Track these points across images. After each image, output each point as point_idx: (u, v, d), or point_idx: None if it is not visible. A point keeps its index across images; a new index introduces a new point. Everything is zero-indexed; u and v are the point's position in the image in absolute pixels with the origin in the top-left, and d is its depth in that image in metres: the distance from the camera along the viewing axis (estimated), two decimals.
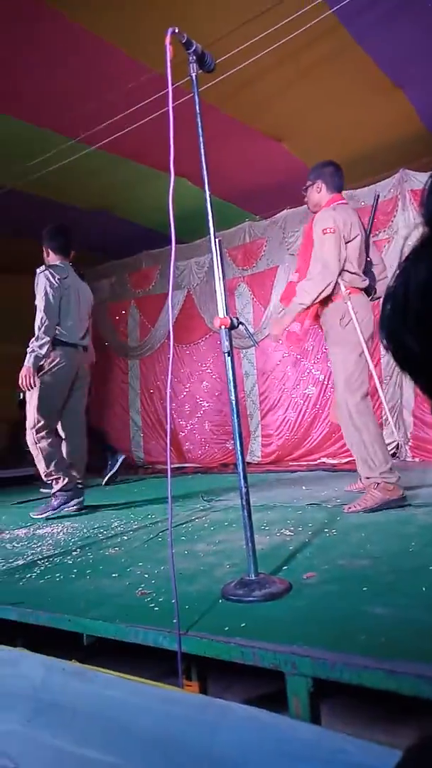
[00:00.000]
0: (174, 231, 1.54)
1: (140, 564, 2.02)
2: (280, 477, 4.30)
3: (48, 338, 3.28)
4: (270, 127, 3.92)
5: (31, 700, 1.26)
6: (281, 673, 1.18)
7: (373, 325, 2.81)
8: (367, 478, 2.62)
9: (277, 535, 2.27)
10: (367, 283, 2.87)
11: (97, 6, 2.73)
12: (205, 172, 1.65)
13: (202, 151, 1.66)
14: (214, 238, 1.62)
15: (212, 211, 1.63)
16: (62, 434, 3.50)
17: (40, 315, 3.30)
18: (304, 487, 3.64)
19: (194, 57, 1.70)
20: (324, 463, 4.91)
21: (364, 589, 1.51)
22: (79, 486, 3.45)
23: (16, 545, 2.58)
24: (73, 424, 3.52)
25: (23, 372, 3.26)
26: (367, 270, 2.87)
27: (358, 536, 2.12)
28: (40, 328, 3.28)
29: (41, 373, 3.33)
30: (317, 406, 5.17)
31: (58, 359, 3.35)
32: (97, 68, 3.16)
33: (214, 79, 2.94)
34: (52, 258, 3.51)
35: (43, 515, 3.31)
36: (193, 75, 1.70)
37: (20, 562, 2.22)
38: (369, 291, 2.90)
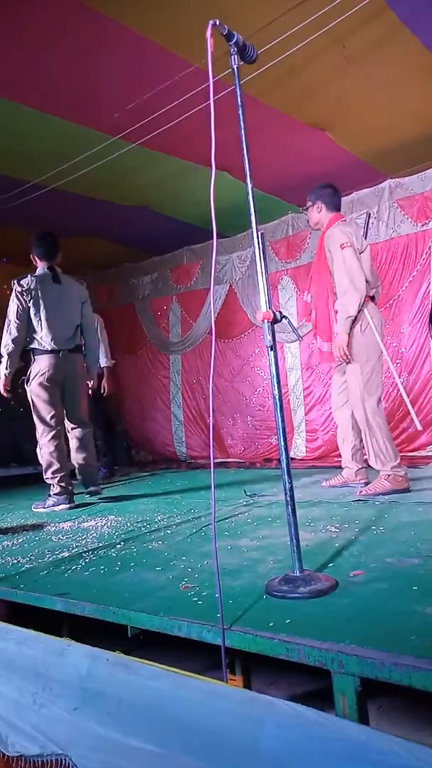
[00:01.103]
0: (215, 225, 1.53)
1: (183, 558, 2.03)
2: (326, 473, 4.24)
3: (4, 353, 3.52)
4: (313, 117, 3.85)
5: (77, 689, 1.28)
6: (327, 672, 1.15)
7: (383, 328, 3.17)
8: (380, 470, 3.01)
9: (322, 531, 2.24)
10: (374, 291, 3.18)
11: (137, 3, 2.74)
12: (247, 166, 1.63)
13: (244, 144, 1.63)
14: (257, 231, 1.60)
15: (254, 205, 1.61)
16: (70, 435, 3.75)
17: (4, 331, 3.56)
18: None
19: (235, 49, 1.67)
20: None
21: (414, 588, 1.47)
22: (70, 494, 3.64)
23: (61, 538, 2.63)
24: (75, 423, 3.74)
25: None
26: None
27: (408, 534, 2.07)
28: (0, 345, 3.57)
29: (28, 382, 3.62)
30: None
31: (38, 367, 3.58)
32: (138, 65, 3.17)
33: (256, 71, 2.92)
34: (39, 264, 3.73)
35: (37, 510, 3.59)
36: (235, 67, 1.67)
37: (65, 554, 2.26)
38: (374, 298, 3.21)
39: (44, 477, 3.65)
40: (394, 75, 3.44)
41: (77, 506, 3.60)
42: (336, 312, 3.12)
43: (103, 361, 5.05)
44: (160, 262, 6.61)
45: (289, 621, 1.32)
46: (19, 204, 4.53)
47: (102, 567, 2.01)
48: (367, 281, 3.02)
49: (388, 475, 2.96)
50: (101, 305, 5.47)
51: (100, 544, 2.39)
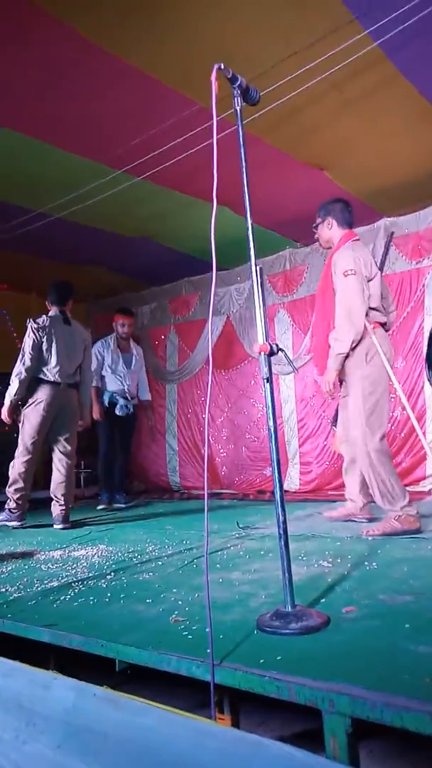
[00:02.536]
0: (215, 258, 1.57)
1: (174, 590, 2.00)
2: (319, 506, 4.22)
3: (16, 380, 3.90)
4: (312, 157, 3.96)
5: (62, 723, 1.25)
6: (318, 711, 1.13)
7: (393, 357, 2.94)
8: (388, 509, 2.80)
9: (315, 566, 2.22)
10: (386, 317, 2.96)
11: (144, 43, 2.84)
12: (247, 202, 1.68)
13: (245, 181, 1.69)
14: (255, 265, 1.63)
15: (254, 240, 1.65)
16: (55, 466, 4.07)
17: (18, 361, 3.97)
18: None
19: (239, 91, 1.75)
20: None
21: (407, 625, 1.45)
22: (23, 512, 4.01)
23: (51, 566, 2.59)
24: (56, 455, 4.07)
25: (3, 409, 3.93)
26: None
27: (401, 570, 2.05)
28: (12, 373, 3.95)
29: (25, 407, 3.97)
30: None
31: (39, 396, 3.95)
32: (143, 102, 3.27)
33: (258, 112, 3.02)
34: (51, 309, 4.19)
35: None
36: (238, 108, 1.75)
37: (54, 584, 2.23)
38: (386, 325, 3.00)
39: (6, 490, 4.00)
40: (390, 119, 3.55)
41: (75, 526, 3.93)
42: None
43: (145, 395, 5.42)
44: (159, 292, 6.68)
45: (280, 658, 1.30)
46: (24, 232, 4.61)
47: (91, 598, 1.98)
48: (376, 309, 2.85)
49: (399, 516, 2.74)
50: (99, 335, 5.51)
51: (90, 574, 2.36)
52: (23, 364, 3.91)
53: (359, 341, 2.83)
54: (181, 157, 3.57)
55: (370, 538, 2.73)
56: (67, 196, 4.09)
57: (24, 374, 3.89)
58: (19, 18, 2.63)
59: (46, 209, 4.31)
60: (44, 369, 3.96)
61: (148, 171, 3.82)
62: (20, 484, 3.95)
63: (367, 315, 2.83)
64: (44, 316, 4.10)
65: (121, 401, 5.11)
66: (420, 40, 2.82)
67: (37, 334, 3.95)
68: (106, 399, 5.12)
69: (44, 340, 3.96)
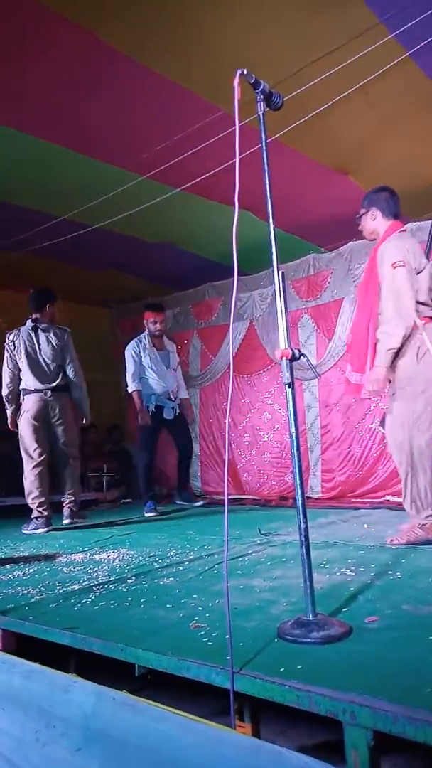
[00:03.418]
0: (237, 263, 1.56)
1: (195, 596, 1.99)
2: (342, 514, 4.17)
3: (4, 397, 4.24)
4: (336, 161, 3.94)
5: (81, 728, 1.25)
6: (339, 723, 1.11)
7: None
8: (413, 517, 2.70)
9: (337, 574, 2.19)
10: None
11: (170, 51, 2.87)
12: (270, 207, 1.68)
13: (268, 186, 1.68)
14: (277, 270, 1.62)
15: (276, 244, 1.65)
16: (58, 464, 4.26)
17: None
18: (366, 526, 3.51)
19: (261, 96, 1.75)
20: (388, 501, 4.72)
21: (431, 637, 1.42)
22: (48, 518, 4.10)
23: (72, 570, 2.61)
24: (58, 456, 4.23)
25: (9, 421, 4.25)
26: None
27: (426, 580, 2.01)
28: None
29: (19, 418, 4.21)
30: (384, 442, 4.99)
31: (25, 405, 4.18)
32: (168, 108, 3.29)
33: (282, 117, 3.01)
34: (30, 318, 4.36)
35: (25, 532, 4.01)
36: (261, 114, 1.75)
37: (75, 587, 2.24)
38: None
39: (28, 502, 4.15)
40: (415, 122, 3.52)
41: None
42: (376, 342, 2.74)
43: (183, 393, 5.15)
44: (182, 297, 6.70)
45: (300, 667, 1.28)
46: (48, 238, 4.67)
47: (112, 602, 1.99)
48: (425, 303, 2.68)
49: (423, 524, 2.64)
50: (123, 338, 5.54)
51: (111, 578, 2.37)
52: (3, 381, 4.24)
53: (408, 337, 2.65)
54: (217, 170, 3.56)
55: (393, 547, 2.68)
56: (92, 203, 4.13)
57: (6, 390, 4.23)
58: (46, 28, 2.68)
59: (69, 216, 4.36)
60: (24, 379, 4.19)
61: (172, 177, 3.84)
62: (36, 493, 4.09)
63: (417, 309, 2.65)
64: (15, 329, 4.31)
65: (168, 403, 4.89)
66: None
67: (9, 349, 4.23)
68: (152, 402, 4.87)
69: (15, 352, 4.21)
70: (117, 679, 1.51)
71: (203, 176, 3.72)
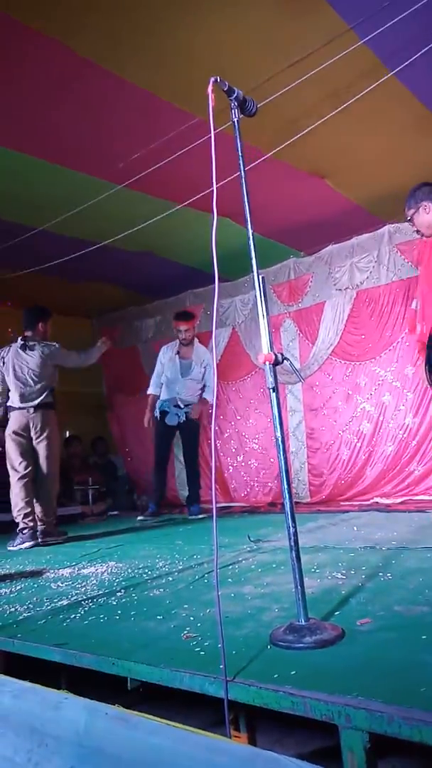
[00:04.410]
0: (217, 270, 1.56)
1: (185, 606, 1.97)
2: (332, 518, 4.18)
3: None
4: (312, 165, 3.98)
5: (74, 745, 1.22)
6: (335, 726, 1.10)
7: None
8: None
9: (328, 578, 2.18)
10: None
11: (141, 60, 2.87)
12: (248, 213, 1.68)
13: (245, 192, 1.69)
14: (258, 275, 1.62)
15: (255, 250, 1.65)
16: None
17: None
18: (356, 528, 3.52)
19: (236, 103, 1.76)
20: (377, 503, 4.74)
21: (424, 637, 1.42)
22: (34, 531, 4.13)
23: (60, 585, 2.57)
24: (38, 472, 4.22)
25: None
26: None
27: (416, 581, 2.01)
28: None
29: (3, 434, 4.27)
30: (372, 444, 5.02)
31: (9, 422, 4.25)
32: (142, 117, 3.30)
33: (257, 123, 3.03)
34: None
35: (11, 548, 3.98)
36: (235, 120, 1.75)
37: (64, 602, 2.20)
38: None
39: (14, 516, 4.15)
40: (389, 125, 3.57)
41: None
42: None
43: (206, 394, 5.14)
44: (163, 305, 6.70)
45: (294, 672, 1.27)
46: (27, 249, 4.64)
47: (102, 616, 1.96)
48: None
49: None
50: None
51: (100, 592, 2.33)
52: None
53: None
54: (174, 168, 3.58)
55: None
56: (68, 213, 4.12)
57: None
58: (16, 39, 2.67)
59: (47, 227, 4.33)
60: (10, 397, 4.28)
61: (148, 185, 3.85)
62: (21, 504, 4.11)
63: None
64: (7, 346, 4.40)
65: (173, 410, 4.99)
66: (416, 46, 2.83)
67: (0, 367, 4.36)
68: (157, 408, 5.06)
69: (3, 369, 4.30)
70: (110, 694, 1.49)
71: (182, 184, 3.73)
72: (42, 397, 4.26)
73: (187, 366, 5.10)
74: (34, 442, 4.22)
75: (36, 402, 4.23)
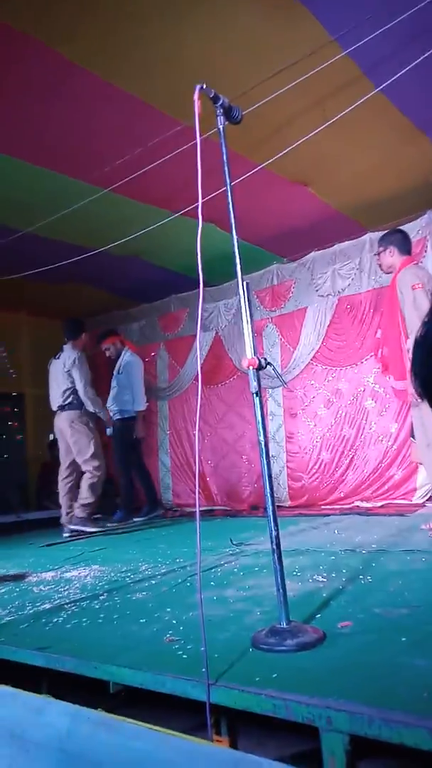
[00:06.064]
0: (202, 275, 1.58)
1: (168, 609, 1.98)
2: (313, 521, 4.21)
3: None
4: (296, 173, 4.01)
5: (56, 750, 1.22)
6: (316, 729, 1.12)
7: None
8: None
9: (309, 581, 2.21)
10: None
11: (130, 66, 2.88)
12: (232, 219, 1.70)
13: (230, 198, 1.71)
14: (242, 280, 1.64)
15: (239, 255, 1.67)
16: None
17: None
18: (336, 532, 3.55)
19: (221, 110, 1.78)
20: (358, 507, 4.78)
21: (403, 639, 1.44)
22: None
23: (42, 588, 2.56)
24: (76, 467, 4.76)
25: None
26: None
27: (396, 584, 2.04)
28: None
29: None
30: (353, 448, 5.06)
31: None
32: (128, 122, 3.30)
33: (242, 130, 3.06)
34: None
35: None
36: (221, 127, 1.78)
37: (47, 606, 2.19)
38: None
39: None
40: (371, 135, 3.61)
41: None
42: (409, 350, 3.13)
43: (135, 406, 5.37)
44: (148, 309, 6.70)
45: (275, 675, 1.28)
46: (11, 253, 4.61)
47: (84, 619, 1.95)
48: None
49: None
50: (89, 352, 5.53)
51: (83, 595, 2.33)
52: None
53: None
54: (164, 174, 3.60)
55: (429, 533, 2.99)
56: (53, 216, 4.10)
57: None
58: (4, 41, 2.66)
59: (32, 230, 4.31)
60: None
61: (134, 190, 3.85)
62: (61, 501, 4.74)
63: None
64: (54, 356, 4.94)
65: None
66: (397, 59, 2.88)
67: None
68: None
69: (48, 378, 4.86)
70: (93, 700, 1.48)
71: (166, 189, 3.74)
72: (65, 399, 4.71)
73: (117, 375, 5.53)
74: (69, 442, 4.77)
75: (60, 403, 4.73)
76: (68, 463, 4.73)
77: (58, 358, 4.79)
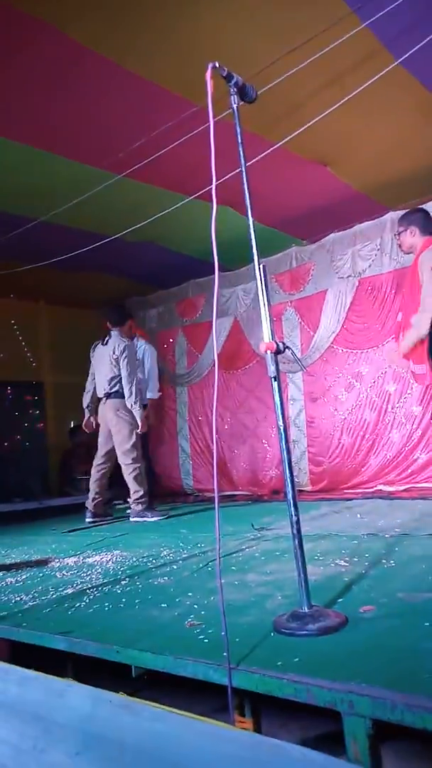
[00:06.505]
0: (217, 260, 1.55)
1: (189, 594, 1.99)
2: (335, 505, 4.19)
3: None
4: (314, 153, 3.93)
5: (79, 732, 1.24)
6: (338, 713, 1.11)
7: None
8: None
9: (331, 565, 2.19)
10: None
11: (142, 48, 2.84)
12: (248, 201, 1.66)
13: (245, 180, 1.67)
14: (259, 263, 1.61)
15: (256, 238, 1.64)
16: None
17: None
18: (359, 516, 3.53)
19: (235, 89, 1.73)
20: (381, 491, 4.74)
21: (427, 624, 1.43)
22: (98, 513, 4.70)
23: (65, 574, 2.59)
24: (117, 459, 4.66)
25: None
26: None
27: (419, 568, 2.02)
28: None
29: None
30: (375, 432, 5.01)
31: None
32: (141, 105, 3.27)
33: (258, 109, 3.00)
34: None
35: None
36: (235, 107, 1.73)
37: (69, 591, 2.22)
38: None
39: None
40: (392, 111, 3.52)
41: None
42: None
43: (148, 394, 5.30)
44: (166, 295, 6.68)
45: (297, 659, 1.28)
46: (28, 243, 4.62)
47: (106, 604, 1.97)
48: None
49: None
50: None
51: (105, 581, 2.35)
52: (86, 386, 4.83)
53: None
54: (178, 157, 3.55)
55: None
56: (68, 204, 4.09)
57: (84, 392, 4.81)
58: (15, 27, 2.64)
59: (47, 218, 4.31)
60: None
61: (149, 174, 3.81)
62: (91, 491, 4.66)
63: None
64: (97, 341, 4.82)
65: None
66: (419, 30, 2.79)
67: (90, 359, 4.81)
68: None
69: (92, 362, 4.77)
70: (114, 682, 1.50)
71: (181, 172, 3.70)
72: (110, 388, 4.61)
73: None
74: (113, 432, 4.64)
75: (106, 392, 4.62)
76: (105, 450, 4.66)
77: (106, 344, 4.66)
